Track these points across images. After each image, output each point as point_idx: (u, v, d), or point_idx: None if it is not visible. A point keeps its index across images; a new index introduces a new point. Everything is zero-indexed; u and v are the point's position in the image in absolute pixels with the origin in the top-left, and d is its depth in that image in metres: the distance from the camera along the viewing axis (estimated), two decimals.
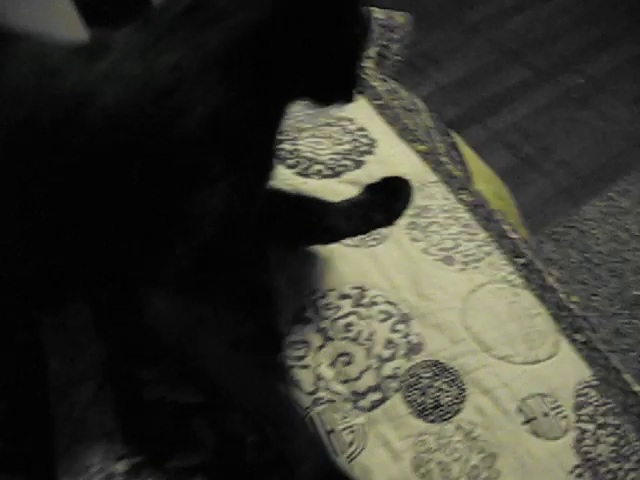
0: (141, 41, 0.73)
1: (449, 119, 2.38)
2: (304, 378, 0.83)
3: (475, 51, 2.70)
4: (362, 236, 0.97)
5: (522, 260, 0.96)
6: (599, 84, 2.47)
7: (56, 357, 0.88)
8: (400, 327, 0.87)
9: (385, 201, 0.96)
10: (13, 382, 0.87)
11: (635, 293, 1.80)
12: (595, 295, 1.79)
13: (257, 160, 0.79)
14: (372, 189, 0.97)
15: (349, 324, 0.88)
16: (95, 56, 0.73)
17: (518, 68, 2.59)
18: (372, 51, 1.49)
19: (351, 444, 0.78)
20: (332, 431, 0.79)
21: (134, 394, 0.82)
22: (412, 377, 0.84)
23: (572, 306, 0.91)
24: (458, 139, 1.42)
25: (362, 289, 0.91)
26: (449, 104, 2.46)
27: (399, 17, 1.61)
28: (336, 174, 1.08)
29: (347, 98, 0.85)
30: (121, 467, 0.77)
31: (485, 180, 1.33)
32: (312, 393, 0.82)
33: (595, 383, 0.85)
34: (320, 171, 1.08)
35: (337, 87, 0.84)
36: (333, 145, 1.12)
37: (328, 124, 1.16)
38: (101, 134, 0.69)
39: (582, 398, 0.84)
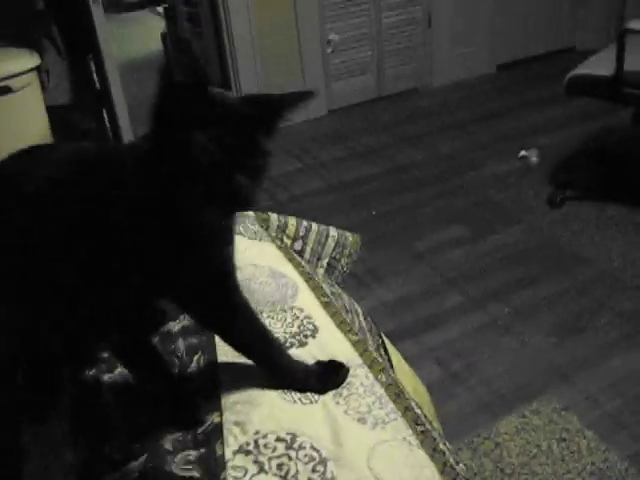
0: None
1: (387, 331, 2.59)
2: None
3: (417, 275, 2.93)
4: (299, 395, 1.20)
5: (421, 428, 1.16)
6: (521, 315, 2.67)
7: (31, 463, 1.06)
8: (319, 468, 1.07)
9: (325, 375, 1.24)
10: None
11: None
12: None
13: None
14: (319, 364, 1.25)
15: (281, 463, 1.08)
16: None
17: (453, 294, 2.83)
18: (324, 261, 1.78)
19: None
20: None
21: None
22: None
23: (457, 468, 1.11)
24: (387, 342, 1.67)
25: (294, 435, 1.12)
26: (388, 318, 2.65)
27: (351, 236, 1.88)
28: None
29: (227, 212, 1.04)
30: None
31: (406, 377, 1.57)
32: None
33: None
34: None
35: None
36: (285, 326, 1.37)
37: (283, 310, 1.42)
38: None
39: None
